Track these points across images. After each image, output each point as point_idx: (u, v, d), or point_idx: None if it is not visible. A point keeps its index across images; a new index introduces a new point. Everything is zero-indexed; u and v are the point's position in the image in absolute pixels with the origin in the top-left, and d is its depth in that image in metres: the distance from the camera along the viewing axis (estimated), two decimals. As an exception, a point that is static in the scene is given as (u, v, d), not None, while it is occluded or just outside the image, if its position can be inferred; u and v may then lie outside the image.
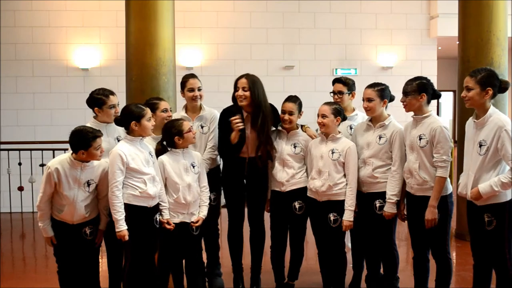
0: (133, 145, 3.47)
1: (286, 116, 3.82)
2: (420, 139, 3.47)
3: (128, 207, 3.39)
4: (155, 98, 4.09)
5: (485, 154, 3.18)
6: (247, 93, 3.77)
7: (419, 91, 3.49)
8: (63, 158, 3.40)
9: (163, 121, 3.79)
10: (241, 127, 3.75)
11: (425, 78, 3.57)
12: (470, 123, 3.36)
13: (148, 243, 3.52)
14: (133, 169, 3.41)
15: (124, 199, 3.38)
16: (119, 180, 3.36)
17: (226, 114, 3.92)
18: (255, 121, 3.82)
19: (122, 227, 3.35)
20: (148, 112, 3.53)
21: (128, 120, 3.47)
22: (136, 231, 3.41)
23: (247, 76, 3.83)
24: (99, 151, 3.36)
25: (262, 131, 3.78)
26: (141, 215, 3.45)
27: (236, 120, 3.76)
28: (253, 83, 3.79)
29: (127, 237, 3.36)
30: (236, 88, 3.84)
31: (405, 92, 3.53)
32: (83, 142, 3.30)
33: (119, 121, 3.55)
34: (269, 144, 3.83)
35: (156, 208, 3.56)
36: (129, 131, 3.49)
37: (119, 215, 3.34)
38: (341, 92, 4.06)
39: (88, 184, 3.40)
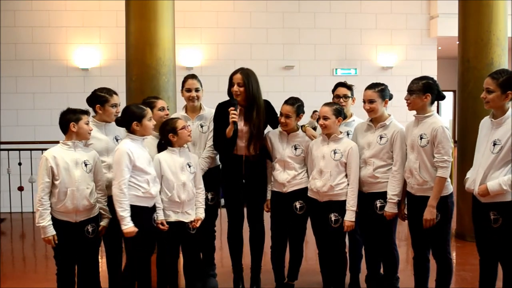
0: (136, 144, 3.50)
1: (283, 119, 3.81)
2: (421, 138, 3.46)
3: (131, 208, 3.39)
4: (152, 97, 4.11)
5: (497, 153, 3.18)
6: (242, 89, 3.78)
7: (424, 90, 3.48)
8: (55, 147, 3.45)
9: (161, 120, 3.82)
10: (235, 119, 3.74)
11: (432, 79, 3.56)
12: (486, 121, 3.36)
13: (148, 243, 3.54)
14: (138, 168, 3.43)
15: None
16: (127, 177, 3.38)
17: (222, 108, 3.92)
18: (248, 115, 3.82)
19: (129, 223, 3.36)
20: (148, 112, 3.57)
21: (130, 120, 3.50)
22: (139, 231, 3.41)
23: (242, 71, 3.85)
24: (88, 127, 3.42)
25: (254, 124, 3.79)
26: (143, 215, 3.46)
27: (232, 111, 3.76)
28: (248, 78, 3.80)
29: (135, 233, 3.37)
30: (231, 83, 3.84)
31: (410, 91, 3.52)
32: (73, 116, 3.38)
33: (120, 122, 3.58)
34: (261, 139, 3.82)
35: (154, 208, 3.59)
36: (131, 131, 3.51)
37: (126, 213, 3.36)
38: (346, 96, 4.05)
39: (85, 164, 3.42)
